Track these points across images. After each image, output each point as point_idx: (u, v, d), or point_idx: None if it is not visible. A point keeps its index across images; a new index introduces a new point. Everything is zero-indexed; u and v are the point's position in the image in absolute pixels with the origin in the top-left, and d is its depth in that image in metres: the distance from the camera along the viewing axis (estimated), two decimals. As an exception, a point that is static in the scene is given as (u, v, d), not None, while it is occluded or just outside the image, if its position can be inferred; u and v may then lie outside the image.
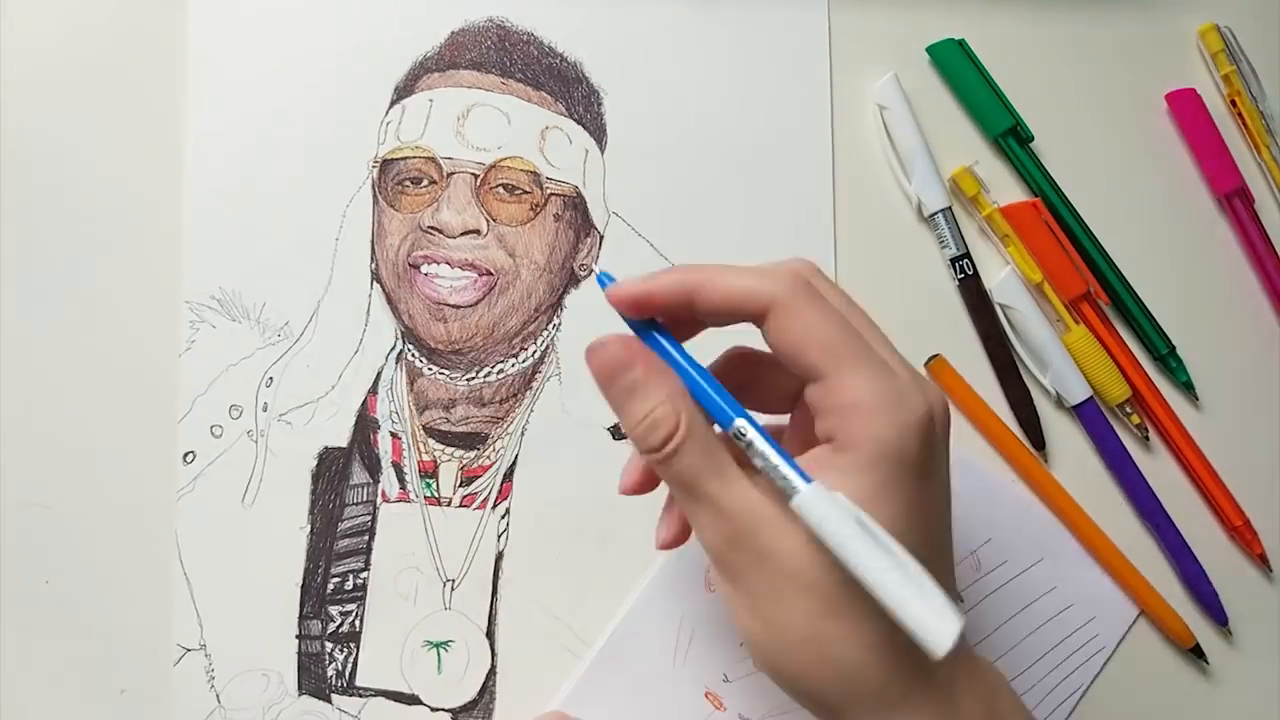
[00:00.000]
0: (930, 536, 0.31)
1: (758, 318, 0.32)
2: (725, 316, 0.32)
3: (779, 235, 0.46)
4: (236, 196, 0.45)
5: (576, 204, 0.46)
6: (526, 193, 0.45)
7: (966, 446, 0.46)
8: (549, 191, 0.45)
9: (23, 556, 0.43)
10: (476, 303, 0.45)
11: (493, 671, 0.44)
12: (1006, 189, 0.47)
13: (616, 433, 0.45)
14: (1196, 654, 0.46)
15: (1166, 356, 0.47)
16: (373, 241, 0.45)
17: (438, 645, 0.44)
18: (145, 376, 0.44)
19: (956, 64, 0.47)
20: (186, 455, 0.44)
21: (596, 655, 0.43)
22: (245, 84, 0.45)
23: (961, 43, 0.47)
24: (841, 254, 0.46)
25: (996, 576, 0.45)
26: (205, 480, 0.44)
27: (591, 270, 0.45)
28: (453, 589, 0.44)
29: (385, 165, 0.45)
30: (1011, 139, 0.47)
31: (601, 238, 0.46)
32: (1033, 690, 0.44)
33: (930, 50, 0.47)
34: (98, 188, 0.45)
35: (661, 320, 0.33)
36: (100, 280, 0.44)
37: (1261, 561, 0.46)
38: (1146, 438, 0.47)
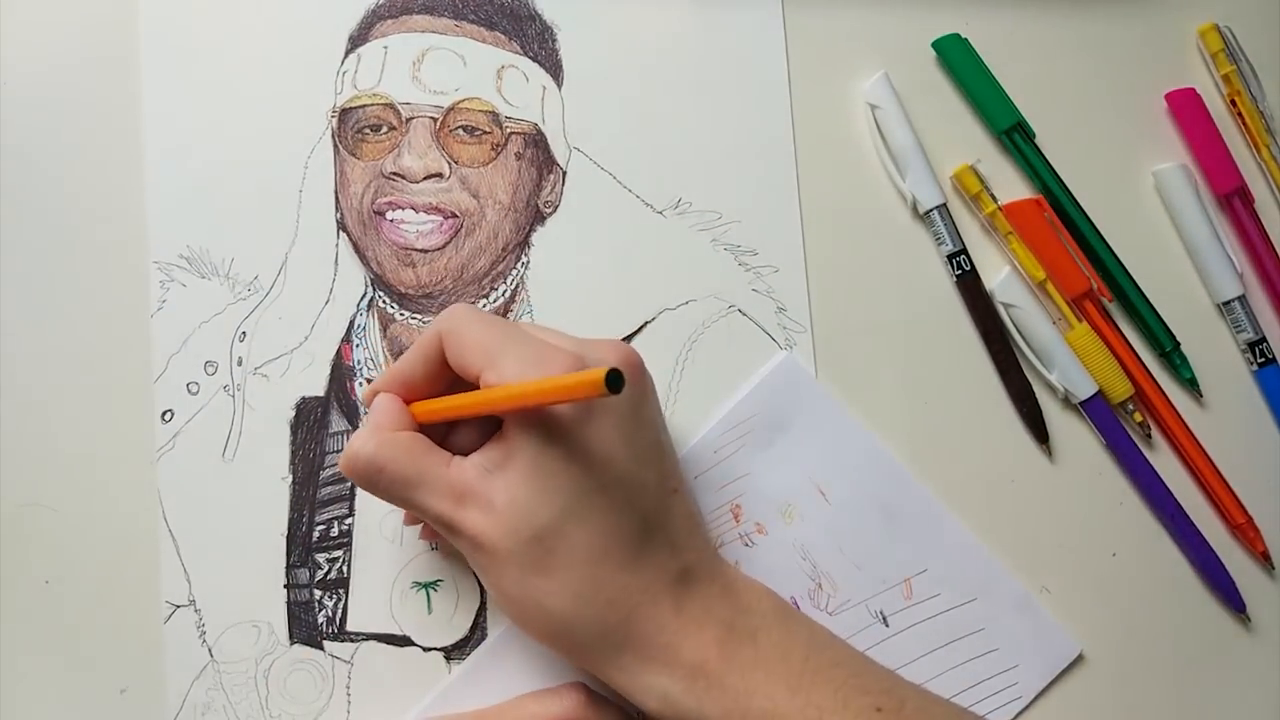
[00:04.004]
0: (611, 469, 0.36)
1: (441, 355, 0.38)
2: (435, 365, 0.38)
3: (740, 159, 0.46)
4: (197, 154, 0.45)
5: (537, 141, 0.46)
6: (486, 133, 0.45)
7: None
8: (509, 130, 0.45)
9: (5, 535, 0.43)
10: (443, 246, 0.45)
11: (483, 608, 0.44)
12: (1007, 187, 0.47)
13: (591, 366, 0.45)
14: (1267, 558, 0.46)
15: (1170, 353, 0.47)
16: (336, 191, 0.45)
17: (426, 585, 0.44)
18: (119, 339, 0.44)
19: (961, 59, 0.47)
20: (165, 414, 0.44)
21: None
22: (200, 41, 0.45)
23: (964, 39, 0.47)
24: (836, 254, 0.46)
25: (926, 608, 0.44)
26: (185, 437, 0.44)
27: (556, 206, 0.46)
28: (438, 529, 0.44)
29: (344, 114, 0.45)
30: (1016, 135, 0.47)
31: (564, 173, 0.46)
32: None
33: (936, 45, 0.47)
34: (57, 154, 0.45)
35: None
36: (67, 246, 0.44)
37: (1264, 559, 0.47)
38: (1149, 436, 0.47)
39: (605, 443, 0.35)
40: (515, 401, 0.34)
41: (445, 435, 0.39)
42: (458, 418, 0.38)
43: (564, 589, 0.35)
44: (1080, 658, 0.45)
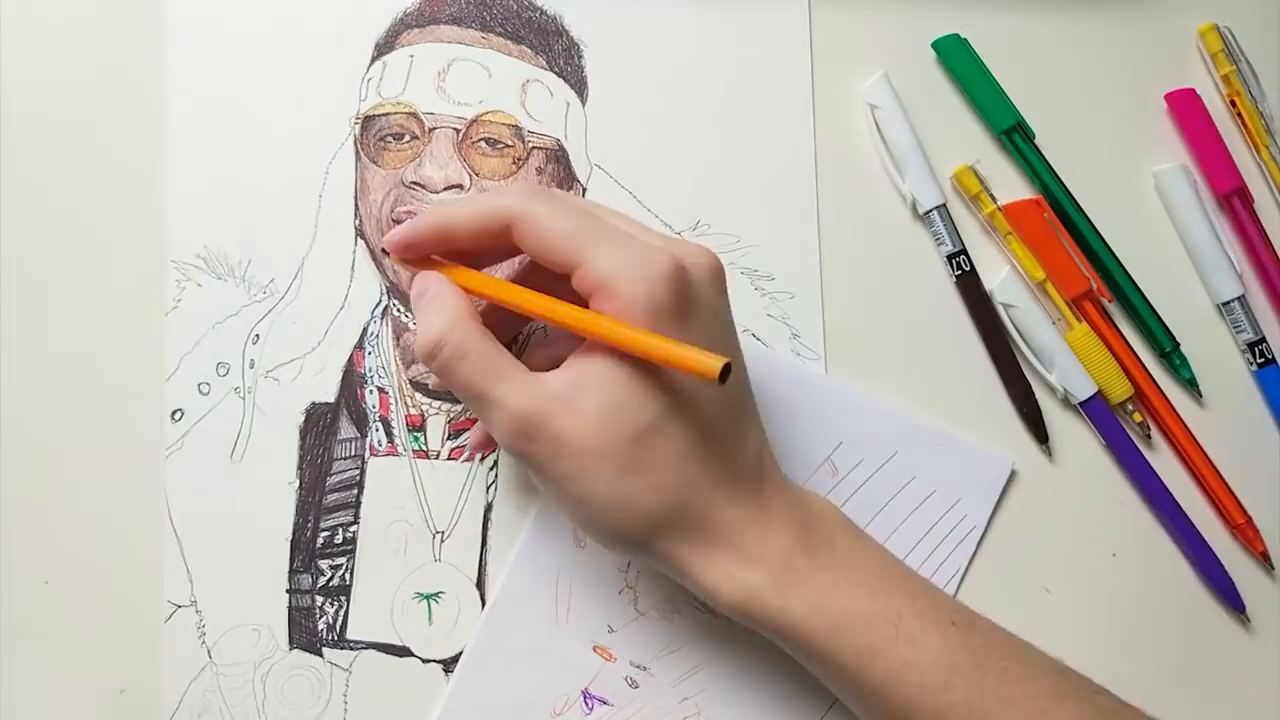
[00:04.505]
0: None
1: (507, 233, 0.36)
2: (482, 239, 0.37)
3: (760, 182, 0.46)
4: (219, 156, 0.45)
5: (559, 157, 0.46)
6: (509, 146, 0.45)
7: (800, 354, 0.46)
8: (531, 145, 0.45)
9: (10, 530, 0.43)
10: (461, 257, 0.45)
11: (483, 622, 0.44)
12: (1007, 187, 0.47)
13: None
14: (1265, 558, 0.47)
15: (1170, 353, 0.47)
16: (356, 198, 0.45)
17: (428, 597, 0.44)
18: (132, 336, 0.44)
19: (961, 59, 0.47)
20: (175, 413, 0.44)
21: (480, 628, 0.43)
22: (226, 43, 0.45)
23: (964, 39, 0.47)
24: (837, 253, 0.46)
25: (854, 478, 0.45)
26: (194, 438, 0.44)
27: None
28: (442, 541, 0.44)
29: (367, 122, 0.45)
30: (1016, 135, 0.47)
31: (584, 190, 0.46)
32: None
33: (935, 45, 0.47)
34: (81, 151, 0.45)
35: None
36: (85, 242, 0.44)
37: (1264, 560, 0.46)
38: (1149, 436, 0.47)
39: (699, 343, 0.35)
40: (623, 344, 0.34)
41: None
42: (522, 313, 0.37)
43: (659, 485, 0.35)
44: (1014, 474, 0.46)
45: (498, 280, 0.38)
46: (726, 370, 0.31)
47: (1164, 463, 0.47)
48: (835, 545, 0.37)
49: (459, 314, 0.36)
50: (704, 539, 0.36)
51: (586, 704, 0.43)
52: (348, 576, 0.44)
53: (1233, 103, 0.48)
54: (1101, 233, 0.47)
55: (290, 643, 0.43)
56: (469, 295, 0.37)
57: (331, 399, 0.44)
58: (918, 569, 0.44)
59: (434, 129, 0.45)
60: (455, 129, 0.45)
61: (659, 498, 0.35)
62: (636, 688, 0.43)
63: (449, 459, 0.44)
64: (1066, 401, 0.46)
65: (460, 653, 0.43)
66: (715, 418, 0.36)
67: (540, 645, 0.43)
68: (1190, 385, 0.47)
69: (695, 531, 0.36)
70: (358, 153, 0.45)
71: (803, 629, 0.36)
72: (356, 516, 0.44)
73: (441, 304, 0.36)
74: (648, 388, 0.35)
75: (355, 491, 0.44)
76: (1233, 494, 0.46)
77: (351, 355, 0.45)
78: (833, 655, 0.36)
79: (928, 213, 0.46)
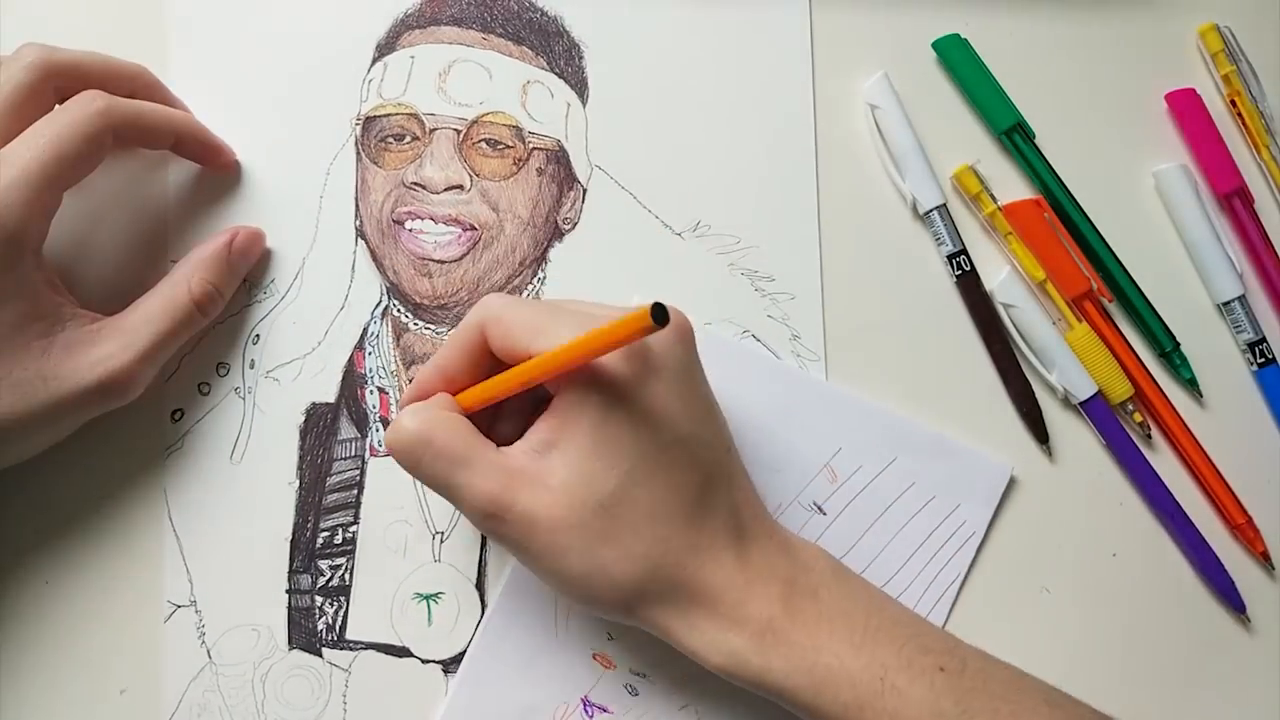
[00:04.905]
0: (669, 431, 0.36)
1: (481, 345, 0.37)
2: (474, 361, 0.38)
3: (761, 183, 0.46)
4: (220, 156, 0.45)
5: (559, 158, 0.46)
6: (509, 147, 0.45)
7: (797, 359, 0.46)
8: (531, 146, 0.46)
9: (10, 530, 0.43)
10: (461, 258, 0.45)
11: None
12: (1007, 187, 0.47)
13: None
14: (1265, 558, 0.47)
15: (1170, 353, 0.47)
16: (357, 198, 0.45)
17: (428, 597, 0.44)
18: (132, 336, 0.44)
19: (961, 59, 0.47)
20: (175, 413, 0.44)
21: (479, 636, 0.43)
22: (227, 44, 0.46)
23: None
24: (837, 254, 0.46)
25: (854, 483, 0.45)
26: (194, 437, 0.44)
27: (575, 224, 0.46)
28: (442, 541, 0.44)
29: (368, 122, 0.45)
30: (1016, 135, 0.47)
31: (585, 191, 0.46)
32: (911, 587, 0.44)
33: (935, 45, 0.47)
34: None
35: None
36: (85, 239, 0.44)
37: (1264, 559, 0.46)
38: (1149, 436, 0.47)
39: (662, 403, 0.35)
40: (568, 358, 0.33)
41: (488, 428, 0.39)
42: (508, 395, 0.37)
43: (631, 553, 0.35)
44: (1013, 480, 0.46)
45: (484, 383, 0.38)
46: (660, 312, 0.30)
47: (1164, 463, 0.47)
48: (821, 598, 0.37)
49: (426, 406, 0.37)
50: (683, 604, 0.36)
51: (586, 711, 0.43)
52: (347, 577, 0.44)
53: (1233, 103, 0.48)
54: (1101, 233, 0.47)
55: (290, 643, 0.43)
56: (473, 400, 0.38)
57: (332, 399, 0.44)
58: (916, 575, 0.45)
59: (435, 130, 0.45)
60: (456, 130, 0.45)
61: (632, 565, 0.35)
62: (636, 695, 0.43)
63: (449, 459, 0.44)
64: (1066, 401, 0.46)
65: (460, 653, 0.43)
66: (685, 480, 0.36)
67: (539, 653, 0.43)
68: (1190, 385, 0.47)
69: (673, 596, 0.36)
70: (359, 153, 0.45)
71: (787, 687, 0.36)
72: (356, 517, 0.44)
73: (413, 407, 0.37)
74: (611, 455, 0.35)
75: (355, 492, 0.44)
76: (1233, 494, 0.46)
77: (352, 356, 0.45)
78: (819, 710, 0.35)
79: (928, 213, 0.46)
